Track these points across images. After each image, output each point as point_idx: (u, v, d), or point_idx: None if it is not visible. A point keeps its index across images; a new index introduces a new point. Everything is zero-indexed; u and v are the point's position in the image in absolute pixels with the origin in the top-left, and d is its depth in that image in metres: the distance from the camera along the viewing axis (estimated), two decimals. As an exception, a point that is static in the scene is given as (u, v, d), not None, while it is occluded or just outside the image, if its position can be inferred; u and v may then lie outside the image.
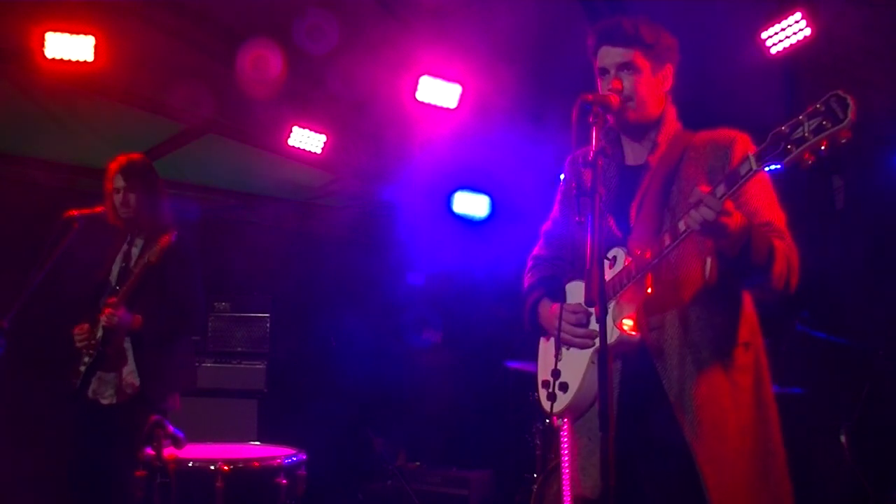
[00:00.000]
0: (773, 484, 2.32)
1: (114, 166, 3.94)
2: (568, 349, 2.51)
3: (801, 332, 4.89)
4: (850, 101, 1.84)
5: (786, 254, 2.25)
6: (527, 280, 2.81)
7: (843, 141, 1.87)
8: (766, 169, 2.04)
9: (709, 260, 2.28)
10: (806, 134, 1.89)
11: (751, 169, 2.03)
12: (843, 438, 4.89)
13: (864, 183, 5.64)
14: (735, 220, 2.09)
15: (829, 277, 5.04)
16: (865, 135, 5.42)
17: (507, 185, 6.81)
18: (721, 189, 2.07)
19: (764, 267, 2.18)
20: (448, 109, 5.40)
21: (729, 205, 2.07)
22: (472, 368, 7.01)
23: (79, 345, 3.84)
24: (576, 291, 2.53)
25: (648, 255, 2.25)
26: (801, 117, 1.92)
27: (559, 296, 2.59)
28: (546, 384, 2.57)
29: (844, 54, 4.87)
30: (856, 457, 4.88)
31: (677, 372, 2.29)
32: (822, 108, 1.88)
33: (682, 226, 2.15)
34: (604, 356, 2.02)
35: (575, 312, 2.42)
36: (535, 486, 4.80)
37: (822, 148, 1.89)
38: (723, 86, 4.99)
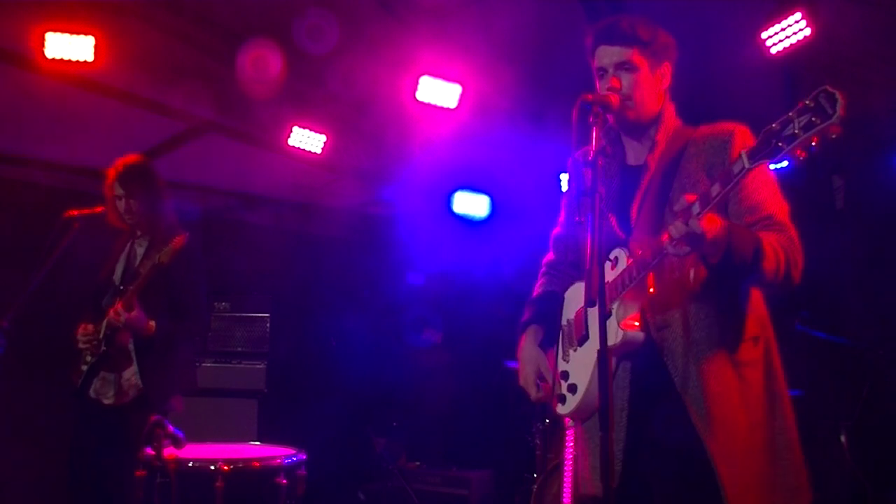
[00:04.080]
0: (788, 476, 2.31)
1: (112, 173, 3.92)
2: (575, 350, 2.51)
3: (801, 332, 4.89)
4: (838, 96, 1.84)
5: (783, 247, 2.25)
6: (535, 289, 2.87)
7: (833, 136, 1.87)
8: (772, 166, 2.04)
9: (692, 268, 2.30)
10: (796, 131, 1.90)
11: (744, 167, 2.02)
12: (843, 438, 4.90)
13: (864, 183, 5.64)
14: (712, 228, 2.09)
15: (829, 277, 5.04)
16: (865, 135, 5.42)
17: (507, 185, 6.81)
18: (717, 188, 2.07)
19: (751, 266, 2.16)
20: (448, 109, 5.41)
21: (706, 222, 2.07)
22: (472, 368, 7.01)
23: (82, 346, 3.84)
24: (577, 293, 2.54)
25: (648, 254, 2.26)
26: (790, 114, 1.92)
27: (549, 317, 2.68)
28: (555, 386, 2.57)
29: (844, 54, 4.87)
30: (856, 457, 4.88)
31: (685, 369, 2.29)
32: (812, 105, 1.88)
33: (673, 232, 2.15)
34: (604, 357, 2.02)
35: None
36: (535, 486, 4.80)
37: (813, 144, 1.89)
38: (723, 86, 4.99)
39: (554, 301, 2.70)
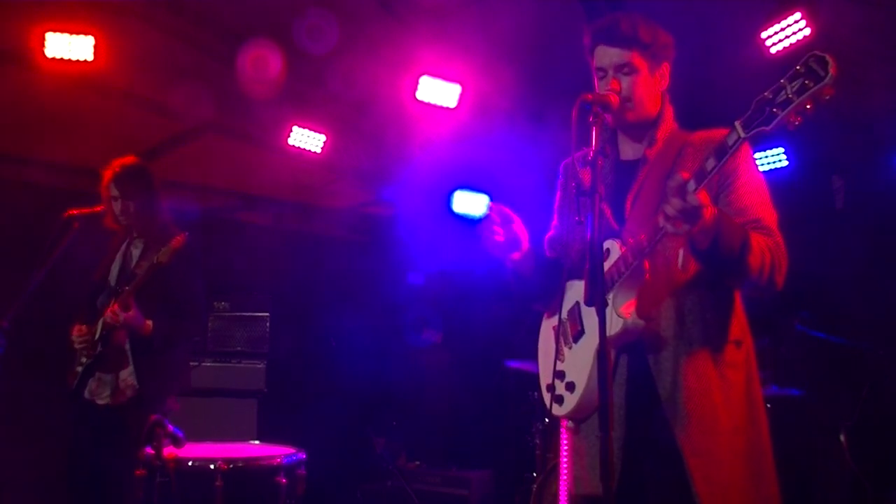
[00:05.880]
0: (763, 485, 2.31)
1: (108, 174, 3.91)
2: (570, 348, 2.50)
3: (801, 332, 4.89)
4: (828, 58, 1.86)
5: (769, 248, 2.24)
6: None
7: (827, 98, 1.88)
8: (767, 167, 2.03)
9: (681, 251, 2.29)
10: (790, 95, 1.91)
11: (739, 137, 2.02)
12: (843, 438, 4.90)
13: (864, 183, 5.64)
14: (708, 205, 2.08)
15: (829, 277, 5.04)
16: (865, 135, 5.42)
17: (507, 185, 6.81)
18: (711, 162, 2.07)
19: (737, 259, 2.15)
20: (448, 109, 5.41)
21: (703, 197, 2.05)
22: (472, 368, 7.00)
23: (78, 347, 3.84)
24: (574, 290, 2.53)
25: (644, 238, 2.24)
26: (782, 81, 1.93)
27: (547, 271, 2.61)
28: (550, 388, 2.53)
29: (844, 54, 4.86)
30: (856, 457, 4.88)
31: (669, 365, 2.29)
32: (803, 70, 1.90)
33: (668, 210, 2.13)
34: (604, 356, 2.01)
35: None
36: (535, 486, 4.80)
37: (808, 107, 1.90)
38: (723, 86, 4.99)
39: (558, 267, 2.66)
